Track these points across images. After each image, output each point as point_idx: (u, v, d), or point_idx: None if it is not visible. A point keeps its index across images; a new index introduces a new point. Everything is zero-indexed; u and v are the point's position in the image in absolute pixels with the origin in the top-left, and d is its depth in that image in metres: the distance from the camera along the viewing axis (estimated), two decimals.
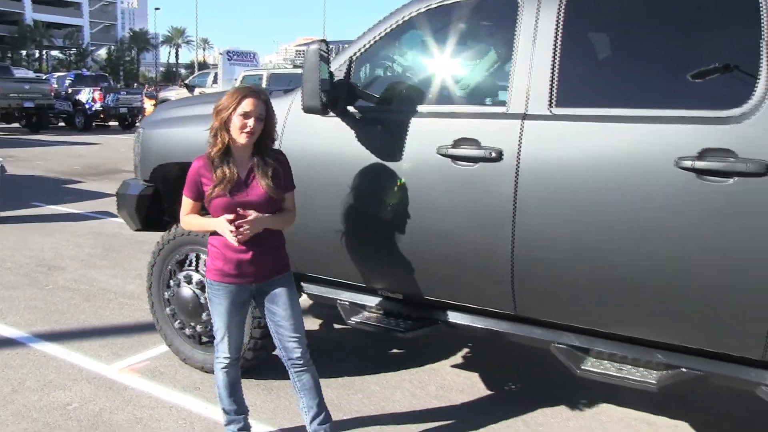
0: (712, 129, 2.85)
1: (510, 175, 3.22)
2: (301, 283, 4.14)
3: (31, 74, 31.92)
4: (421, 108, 3.58)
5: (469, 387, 4.39)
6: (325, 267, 4.00)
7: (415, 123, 3.53)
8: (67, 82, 28.02)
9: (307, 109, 3.57)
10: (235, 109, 3.05)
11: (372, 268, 3.78)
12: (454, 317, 3.71)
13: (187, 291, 4.29)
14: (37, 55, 78.69)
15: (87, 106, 26.48)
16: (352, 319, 3.92)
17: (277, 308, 3.28)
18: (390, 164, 3.55)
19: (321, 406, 3.39)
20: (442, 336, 4.95)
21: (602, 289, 3.15)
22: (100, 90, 26.50)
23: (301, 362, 3.32)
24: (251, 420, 3.62)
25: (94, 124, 27.00)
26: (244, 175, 3.16)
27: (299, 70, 3.80)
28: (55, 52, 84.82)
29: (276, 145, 3.33)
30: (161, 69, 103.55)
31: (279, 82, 19.54)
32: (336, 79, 3.68)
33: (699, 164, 2.84)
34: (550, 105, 3.19)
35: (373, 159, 3.58)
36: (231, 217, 3.07)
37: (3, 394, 4.12)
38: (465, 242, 3.42)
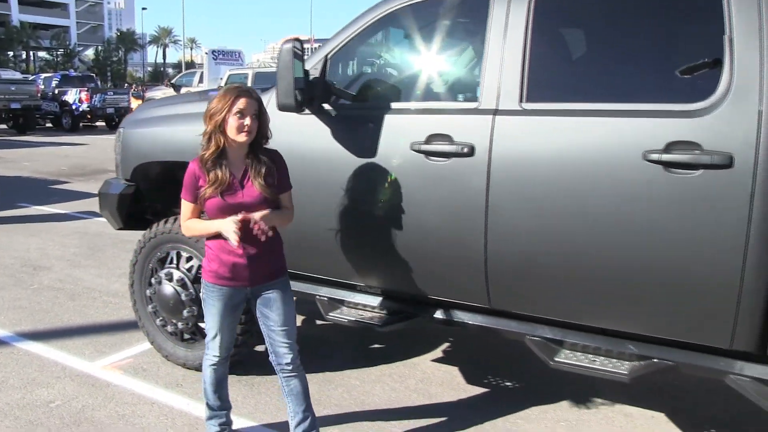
0: (678, 122, 2.91)
1: (482, 170, 3.28)
2: None
3: (18, 75, 31.76)
4: (395, 105, 3.63)
5: (449, 380, 4.44)
6: (303, 263, 4.03)
7: (389, 119, 3.58)
8: (54, 83, 27.95)
9: (282, 107, 3.61)
10: (229, 110, 3.04)
11: (349, 264, 3.82)
12: (430, 311, 3.76)
13: (168, 288, 4.32)
14: (24, 56, 78.25)
15: (74, 107, 26.44)
16: (330, 314, 3.96)
17: (271, 313, 3.28)
18: (365, 161, 3.59)
19: (307, 413, 3.38)
20: (424, 331, 5.02)
21: (574, 281, 3.21)
22: (87, 90, 26.46)
23: (291, 368, 3.32)
24: (232, 415, 3.65)
25: (81, 124, 26.97)
26: (239, 177, 3.16)
27: None
28: (42, 53, 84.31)
29: None
30: (149, 69, 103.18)
31: (265, 80, 19.52)
32: (311, 77, 3.72)
33: (666, 157, 2.89)
34: (521, 100, 3.25)
35: (348, 156, 3.62)
36: (239, 217, 3.05)
37: None
38: (439, 237, 3.47)
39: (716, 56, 2.87)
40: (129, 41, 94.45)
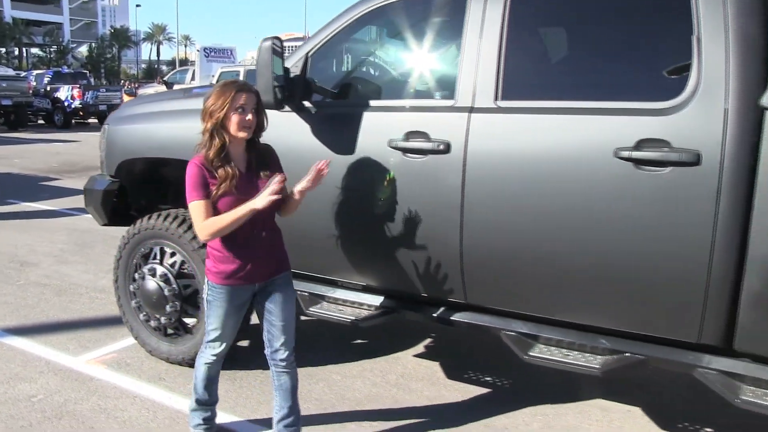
0: (648, 120, 2.97)
1: (458, 167, 3.33)
2: None
3: (10, 72, 31.71)
4: (373, 102, 3.69)
5: (429, 375, 4.50)
6: None
7: (367, 117, 3.63)
8: (46, 80, 27.92)
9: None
10: (230, 106, 3.03)
11: (328, 260, 3.87)
12: (408, 307, 3.81)
13: (151, 284, 4.36)
14: (16, 52, 77.98)
15: (66, 104, 26.40)
16: (311, 309, 4.01)
17: (275, 308, 3.30)
18: (343, 157, 3.64)
19: (292, 410, 3.40)
20: (407, 326, 5.07)
21: (547, 277, 3.27)
22: (79, 87, 26.44)
23: (284, 364, 3.34)
24: None
25: (73, 121, 26.92)
26: (245, 171, 3.17)
27: None
28: (35, 50, 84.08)
29: None
30: (143, 66, 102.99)
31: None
32: (292, 74, 3.76)
33: (636, 154, 2.95)
34: (496, 98, 3.30)
35: (327, 153, 3.67)
36: (277, 179, 2.99)
37: None
38: (416, 232, 3.52)
39: (685, 55, 2.93)
40: (123, 38, 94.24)
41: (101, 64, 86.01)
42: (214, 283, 3.23)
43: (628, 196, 3.00)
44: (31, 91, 26.40)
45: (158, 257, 4.41)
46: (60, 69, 34.22)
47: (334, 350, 4.85)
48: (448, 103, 3.45)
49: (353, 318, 3.85)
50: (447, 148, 3.36)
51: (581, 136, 3.11)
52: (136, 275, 4.50)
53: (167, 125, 4.42)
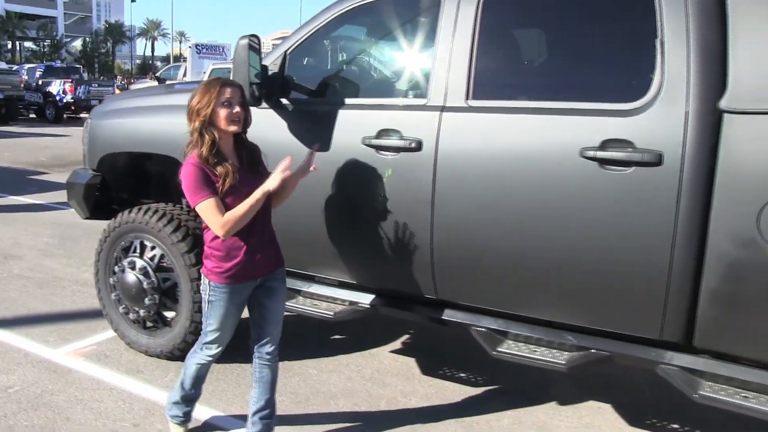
0: (612, 121, 3.04)
1: (429, 165, 3.39)
2: None
3: (3, 65, 31.67)
4: (349, 100, 3.75)
5: (405, 371, 4.56)
6: None
7: (342, 114, 3.70)
8: (38, 74, 27.87)
9: None
10: (216, 101, 3.04)
11: (302, 254, 3.93)
12: (379, 301, 3.87)
13: (131, 277, 4.41)
14: (9, 46, 77.75)
15: (58, 98, 26.37)
16: (287, 303, 4.05)
17: (270, 303, 3.35)
18: (319, 154, 3.68)
19: (269, 404, 3.44)
20: (384, 322, 5.11)
21: (514, 273, 3.34)
22: (71, 82, 26.41)
23: (269, 357, 3.39)
24: None
25: (65, 115, 26.85)
26: (239, 166, 3.17)
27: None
28: (28, 44, 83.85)
29: None
30: (137, 61, 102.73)
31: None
32: (270, 72, 3.82)
33: (601, 154, 3.02)
34: (467, 97, 3.36)
35: (303, 149, 3.70)
36: (286, 163, 3.08)
37: None
38: (388, 228, 3.59)
39: (650, 58, 3.00)
40: (117, 33, 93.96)
41: (95, 59, 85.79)
42: (217, 283, 3.21)
43: (592, 195, 3.07)
44: (22, 85, 26.34)
45: (138, 251, 4.46)
46: (52, 63, 34.14)
47: (312, 345, 4.91)
48: (421, 101, 3.51)
49: (327, 313, 3.91)
50: (419, 146, 3.42)
51: (548, 135, 3.17)
52: (116, 268, 4.55)
53: (149, 120, 4.48)
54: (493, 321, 3.57)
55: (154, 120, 4.46)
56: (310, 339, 5.02)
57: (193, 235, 4.24)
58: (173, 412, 3.62)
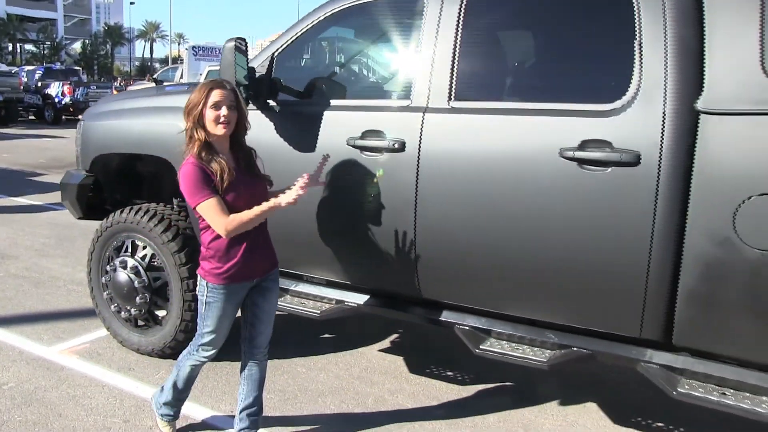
0: (591, 121, 3.09)
1: (412, 165, 3.44)
2: None
3: (3, 67, 31.72)
4: (334, 101, 3.81)
5: (393, 369, 4.61)
6: None
7: (328, 116, 3.75)
8: (37, 76, 27.94)
9: None
10: (205, 103, 3.06)
11: (290, 253, 3.97)
12: (365, 300, 3.92)
13: (122, 276, 4.47)
14: (10, 48, 77.82)
15: (56, 100, 26.39)
16: None
17: (265, 302, 3.39)
18: (304, 155, 3.75)
19: (257, 400, 3.49)
20: (373, 321, 5.16)
21: (496, 273, 3.38)
22: (70, 84, 26.45)
23: (260, 355, 3.45)
24: None
25: (63, 117, 26.87)
26: (235, 167, 3.18)
27: None
28: (29, 46, 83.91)
29: None
30: (136, 63, 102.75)
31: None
32: (258, 74, 3.88)
33: (580, 154, 3.06)
34: (450, 99, 3.41)
35: (289, 150, 3.78)
36: (304, 181, 3.10)
37: None
38: (372, 228, 3.64)
39: (628, 59, 3.04)
40: (116, 35, 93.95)
41: (95, 61, 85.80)
42: (215, 284, 3.22)
43: (571, 194, 3.11)
44: (21, 87, 26.40)
45: (129, 250, 4.52)
46: (51, 65, 34.20)
47: (301, 343, 4.96)
48: (404, 103, 3.56)
49: (313, 312, 3.95)
50: (402, 147, 3.47)
51: (529, 136, 3.22)
52: (108, 267, 4.62)
53: (138, 122, 4.53)
54: (476, 320, 3.61)
55: (143, 121, 4.51)
56: (300, 337, 5.07)
57: (183, 235, 4.30)
58: (163, 411, 3.66)
